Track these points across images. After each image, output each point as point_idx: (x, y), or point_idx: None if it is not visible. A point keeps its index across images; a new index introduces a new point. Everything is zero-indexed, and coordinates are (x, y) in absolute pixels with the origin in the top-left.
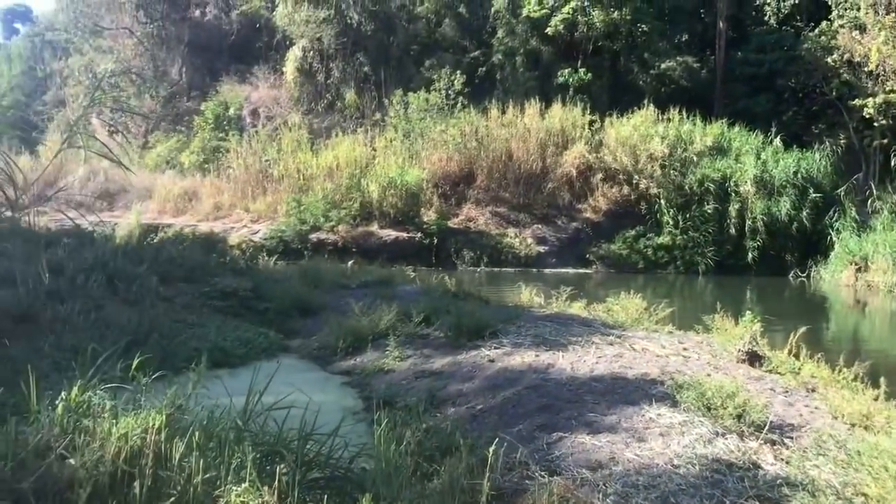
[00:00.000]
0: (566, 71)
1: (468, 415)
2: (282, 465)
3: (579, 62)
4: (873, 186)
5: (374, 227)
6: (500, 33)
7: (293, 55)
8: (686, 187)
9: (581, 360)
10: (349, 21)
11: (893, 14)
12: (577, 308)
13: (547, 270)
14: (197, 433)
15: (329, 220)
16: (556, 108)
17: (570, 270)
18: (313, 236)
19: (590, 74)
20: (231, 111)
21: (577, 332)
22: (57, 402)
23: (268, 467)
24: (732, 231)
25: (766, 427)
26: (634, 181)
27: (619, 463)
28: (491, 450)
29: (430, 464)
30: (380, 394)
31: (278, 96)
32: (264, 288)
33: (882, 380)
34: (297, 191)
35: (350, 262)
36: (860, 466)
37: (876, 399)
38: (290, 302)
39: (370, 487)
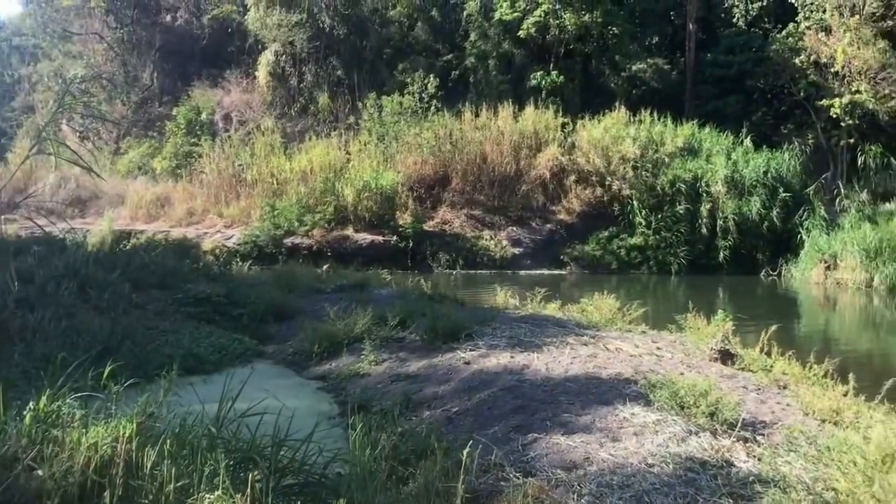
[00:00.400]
0: (538, 74)
1: (444, 417)
2: (255, 472)
3: (551, 65)
4: (841, 185)
5: (350, 231)
6: (472, 36)
7: (265, 59)
8: (658, 188)
9: (556, 361)
10: (321, 25)
11: (858, 16)
12: (552, 309)
13: (522, 272)
14: (169, 441)
15: (303, 224)
16: (529, 110)
17: (545, 272)
18: (288, 241)
19: (562, 77)
20: (203, 116)
21: (551, 333)
22: (25, 412)
23: (241, 474)
24: (704, 231)
25: (739, 425)
26: (607, 182)
27: (593, 463)
28: (465, 452)
29: (406, 468)
30: (355, 398)
31: (251, 100)
32: (238, 293)
33: (851, 376)
34: (270, 195)
35: (325, 267)
36: (830, 462)
37: (845, 395)
38: (264, 307)
39: (345, 493)
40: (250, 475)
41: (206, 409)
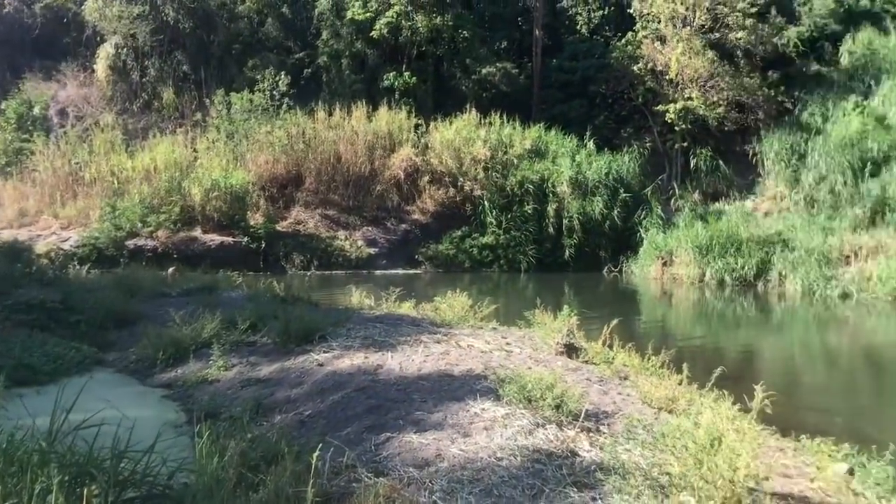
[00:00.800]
0: (391, 74)
1: (296, 421)
2: (93, 487)
3: (404, 66)
4: (676, 186)
5: (197, 232)
6: (324, 35)
7: (105, 52)
8: (508, 189)
9: (409, 360)
10: (165, 18)
11: (689, 28)
12: (407, 308)
13: (377, 272)
14: None
15: (147, 225)
16: (383, 111)
17: (400, 271)
18: (130, 243)
19: (414, 78)
20: (36, 110)
21: (406, 332)
22: None
23: (77, 490)
24: (551, 230)
25: (582, 416)
26: (459, 183)
27: (445, 459)
28: (314, 455)
29: (256, 474)
30: (203, 405)
31: (89, 95)
32: (75, 299)
33: (685, 365)
34: (111, 195)
35: (171, 269)
36: (665, 447)
37: (680, 383)
38: (104, 313)
39: (190, 503)
40: (86, 490)
41: (38, 422)
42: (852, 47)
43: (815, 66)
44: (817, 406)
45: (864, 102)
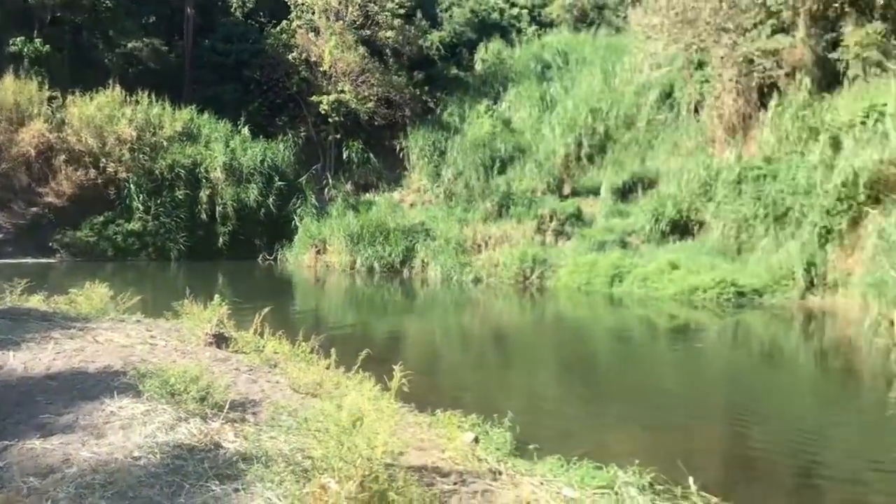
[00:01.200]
0: (20, 39)
1: None
2: None
3: (36, 31)
4: (329, 177)
5: None
6: None
7: None
8: (157, 172)
9: (36, 358)
10: None
11: (342, 22)
12: (36, 301)
13: (2, 261)
14: None
15: None
16: (9, 79)
17: (30, 260)
18: None
19: (48, 46)
20: None
21: (33, 328)
22: None
23: None
24: (204, 217)
25: (227, 406)
26: (102, 164)
27: (73, 464)
28: None
29: None
30: None
31: None
32: None
33: (333, 350)
34: None
35: None
36: (308, 432)
37: (328, 368)
38: None
39: None
40: None
41: None
42: (484, 55)
43: (454, 70)
44: (452, 382)
45: (494, 107)
